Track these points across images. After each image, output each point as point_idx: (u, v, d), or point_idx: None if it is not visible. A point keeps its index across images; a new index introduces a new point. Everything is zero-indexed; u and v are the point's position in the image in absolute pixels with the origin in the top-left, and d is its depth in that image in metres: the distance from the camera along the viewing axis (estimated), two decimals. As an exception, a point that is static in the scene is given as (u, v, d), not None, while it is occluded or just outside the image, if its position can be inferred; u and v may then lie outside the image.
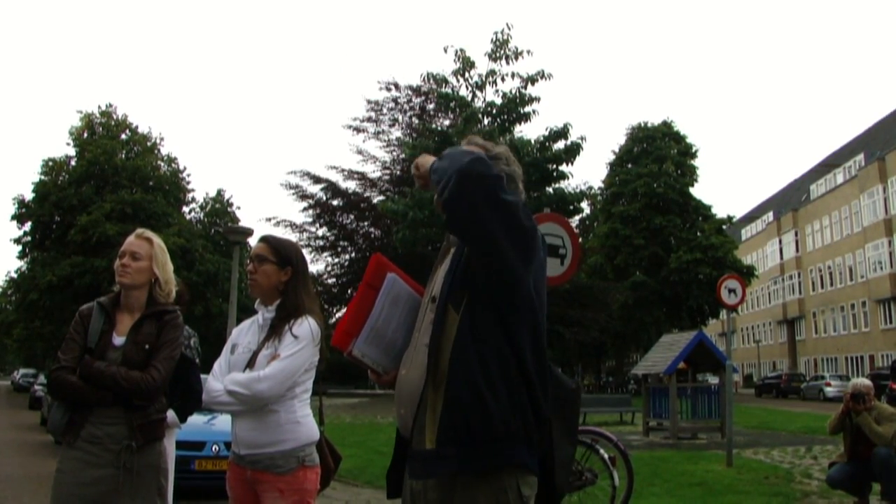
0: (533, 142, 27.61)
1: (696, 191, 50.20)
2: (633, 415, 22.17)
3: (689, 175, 49.74)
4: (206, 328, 35.64)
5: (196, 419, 7.80)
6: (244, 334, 3.52)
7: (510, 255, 2.20)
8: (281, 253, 3.49)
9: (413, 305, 2.59)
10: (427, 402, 2.25)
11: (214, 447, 9.12)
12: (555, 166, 27.60)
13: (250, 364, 3.34)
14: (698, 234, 47.31)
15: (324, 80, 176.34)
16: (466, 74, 27.61)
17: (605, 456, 7.71)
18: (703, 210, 49.16)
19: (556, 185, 28.04)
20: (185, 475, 7.91)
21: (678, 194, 47.77)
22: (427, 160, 2.39)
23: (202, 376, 5.25)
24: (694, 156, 50.86)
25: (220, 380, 3.39)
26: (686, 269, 45.11)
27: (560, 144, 27.62)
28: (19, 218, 40.86)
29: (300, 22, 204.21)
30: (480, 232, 2.17)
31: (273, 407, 3.29)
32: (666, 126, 51.00)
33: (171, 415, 3.89)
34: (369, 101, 42.95)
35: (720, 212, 53.40)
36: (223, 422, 9.46)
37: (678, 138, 50.80)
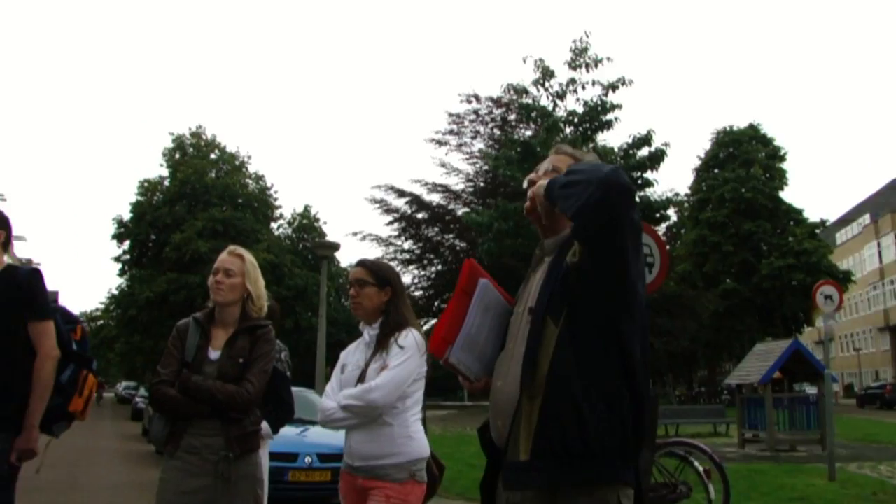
0: (616, 149, 27.31)
1: (787, 194, 48.78)
2: (728, 426, 21.66)
3: (779, 178, 48.43)
4: (296, 342, 36.27)
5: (289, 431, 7.97)
6: (352, 354, 3.68)
7: (633, 267, 2.20)
8: (379, 275, 3.67)
9: (502, 313, 2.58)
10: (522, 413, 2.23)
11: (307, 458, 9.28)
12: (639, 173, 27.23)
13: (360, 379, 3.48)
14: (790, 239, 45.99)
15: (406, 94, 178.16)
16: (547, 84, 27.49)
17: (700, 468, 7.58)
18: (794, 214, 47.80)
19: (642, 193, 27.66)
20: (279, 486, 8.08)
21: (767, 199, 46.54)
22: (542, 186, 2.35)
23: (294, 389, 5.38)
24: (783, 158, 49.49)
25: (332, 398, 3.54)
26: (778, 276, 43.91)
27: (644, 151, 27.25)
28: (119, 237, 42.45)
29: (383, 39, 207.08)
30: (617, 242, 2.15)
31: (388, 420, 3.42)
32: (753, 129, 49.78)
33: (264, 426, 4.01)
34: (451, 114, 43.21)
35: (812, 215, 51.83)
36: (315, 434, 9.63)
37: (766, 141, 49.54)
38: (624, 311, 2.22)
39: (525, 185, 2.48)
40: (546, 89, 27.67)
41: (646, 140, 27.02)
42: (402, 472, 3.40)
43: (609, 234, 2.14)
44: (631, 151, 27.36)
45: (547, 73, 27.27)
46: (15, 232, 4.14)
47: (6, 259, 4.15)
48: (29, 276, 3.99)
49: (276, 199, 45.67)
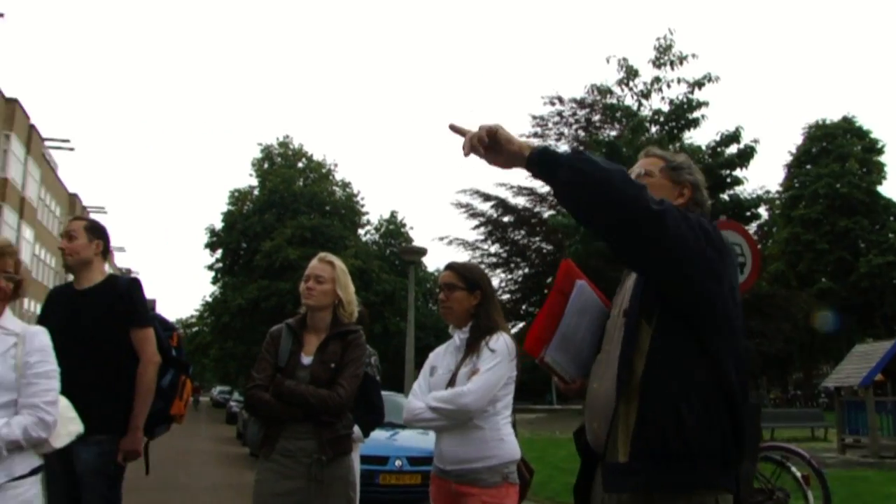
0: (704, 148, 26.76)
1: (886, 189, 47.07)
2: (826, 430, 20.96)
3: (876, 172, 46.66)
4: (385, 346, 36.64)
5: (379, 434, 8.06)
6: (442, 357, 3.68)
7: (701, 272, 2.16)
8: (468, 278, 3.65)
9: (598, 315, 2.56)
10: (620, 415, 2.22)
11: (397, 462, 9.36)
12: (728, 171, 26.63)
13: (451, 383, 3.48)
14: (890, 235, 44.30)
15: (489, 98, 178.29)
16: (631, 83, 27.10)
17: (798, 475, 7.37)
18: (894, 209, 46.03)
19: (731, 191, 27.05)
20: (369, 489, 8.18)
21: (864, 193, 44.90)
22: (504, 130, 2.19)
23: (383, 393, 5.45)
24: (880, 151, 47.66)
25: (420, 399, 3.55)
26: (878, 274, 42.30)
27: (732, 149, 26.60)
28: (211, 246, 43.69)
29: (466, 43, 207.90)
30: (654, 255, 2.14)
31: (479, 424, 3.42)
32: (847, 122, 48.13)
33: (356, 430, 4.08)
34: (534, 117, 42.93)
35: (914, 210, 49.83)
36: (405, 437, 9.71)
37: (861, 134, 47.80)
38: (699, 313, 2.19)
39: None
40: (630, 89, 27.30)
41: (734, 137, 26.39)
42: (495, 476, 3.40)
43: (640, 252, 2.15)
44: (719, 149, 26.76)
45: (631, 73, 26.91)
46: (115, 243, 4.34)
47: (108, 269, 4.34)
48: (129, 286, 4.17)
49: (362, 206, 46.29)
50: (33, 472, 2.93)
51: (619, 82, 27.38)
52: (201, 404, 55.03)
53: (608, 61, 27.27)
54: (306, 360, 3.64)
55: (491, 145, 2.15)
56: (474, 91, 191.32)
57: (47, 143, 43.28)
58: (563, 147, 42.70)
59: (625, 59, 26.86)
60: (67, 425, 3.09)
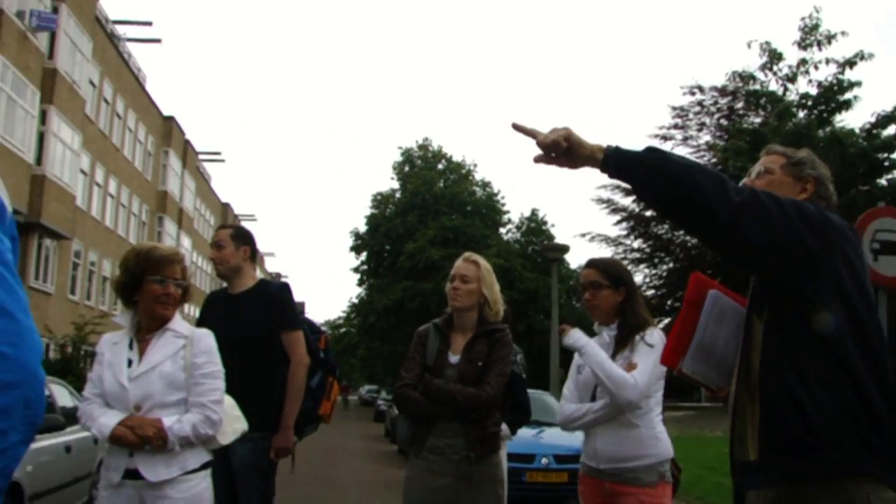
0: (857, 130, 25.40)
1: None
2: None
3: None
4: (529, 344, 36.49)
5: (525, 432, 8.05)
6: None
7: (789, 262, 2.09)
8: (612, 275, 3.61)
9: (739, 320, 2.50)
10: (746, 413, 2.18)
11: (544, 460, 9.32)
12: (886, 155, 25.17)
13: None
14: None
15: (626, 90, 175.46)
16: (775, 67, 26.11)
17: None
18: None
19: (890, 176, 25.56)
20: (516, 486, 8.17)
21: None
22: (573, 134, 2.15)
23: (529, 391, 5.42)
24: None
25: (572, 401, 3.57)
26: None
27: (890, 130, 25.16)
28: (356, 249, 44.71)
29: (600, 36, 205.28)
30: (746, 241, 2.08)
31: (634, 422, 3.39)
32: None
33: (503, 427, 4.08)
34: (674, 108, 41.77)
35: None
36: (551, 435, 9.66)
37: None
38: (809, 300, 2.09)
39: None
40: (774, 73, 26.31)
41: (892, 118, 24.97)
42: (651, 475, 3.35)
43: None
44: (875, 131, 25.36)
45: (774, 56, 25.90)
46: (265, 249, 4.51)
47: (258, 273, 4.51)
48: (279, 290, 4.32)
49: (503, 205, 46.29)
50: (204, 467, 3.08)
51: (763, 67, 26.39)
52: (350, 403, 56.53)
53: (749, 46, 26.39)
54: (454, 358, 3.66)
55: (566, 150, 2.14)
56: (611, 84, 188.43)
57: (201, 157, 45.58)
58: (704, 138, 41.58)
59: (767, 43, 25.87)
60: (233, 423, 3.23)
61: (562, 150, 2.13)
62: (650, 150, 2.13)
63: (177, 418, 2.96)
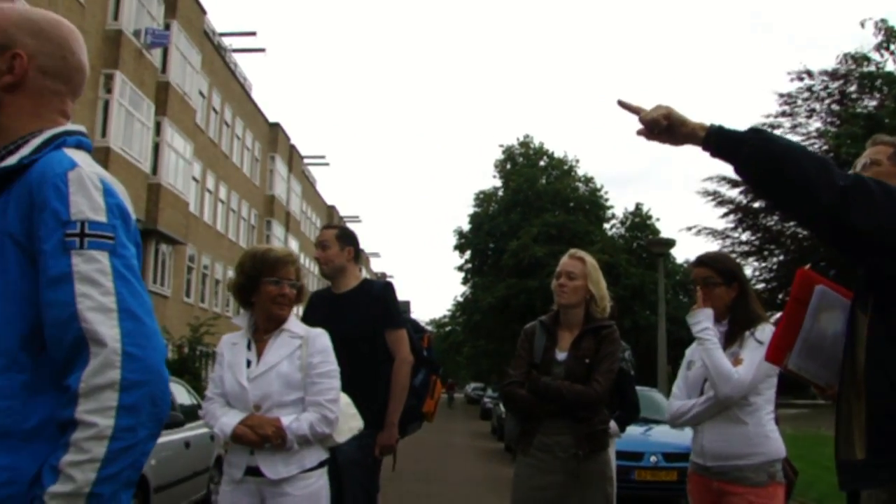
0: None
1: None
2: None
3: None
4: (636, 340, 35.95)
5: (633, 430, 7.96)
6: (697, 350, 3.55)
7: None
8: (724, 271, 3.52)
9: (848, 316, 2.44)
10: (852, 410, 2.09)
11: (653, 458, 9.19)
12: None
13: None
14: None
15: (729, 78, 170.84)
16: (892, 46, 24.94)
17: None
18: None
19: None
20: (625, 484, 8.09)
21: None
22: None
23: (637, 388, 5.36)
24: None
25: (680, 398, 3.53)
26: None
27: None
28: (460, 248, 44.94)
29: (700, 21, 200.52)
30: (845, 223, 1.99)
31: (742, 418, 3.31)
32: None
33: (612, 425, 4.05)
34: (781, 95, 40.47)
35: None
36: (660, 433, 9.52)
37: None
38: None
39: None
40: (892, 53, 25.13)
41: None
42: (761, 475, 3.26)
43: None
44: None
45: (892, 35, 24.75)
46: (370, 249, 4.59)
47: (361, 273, 4.59)
48: (383, 289, 4.39)
49: (606, 200, 45.77)
50: (321, 465, 3.16)
51: (878, 47, 25.29)
52: (456, 401, 56.82)
53: (863, 25, 25.31)
54: (561, 355, 3.65)
55: (666, 128, 2.13)
56: (715, 72, 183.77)
57: (306, 161, 46.57)
58: (814, 125, 40.09)
59: (883, 21, 24.75)
60: (349, 422, 3.30)
61: (662, 128, 2.13)
62: (754, 131, 2.09)
63: (294, 417, 3.03)
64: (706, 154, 2.11)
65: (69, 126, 1.61)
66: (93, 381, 1.34)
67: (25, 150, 1.52)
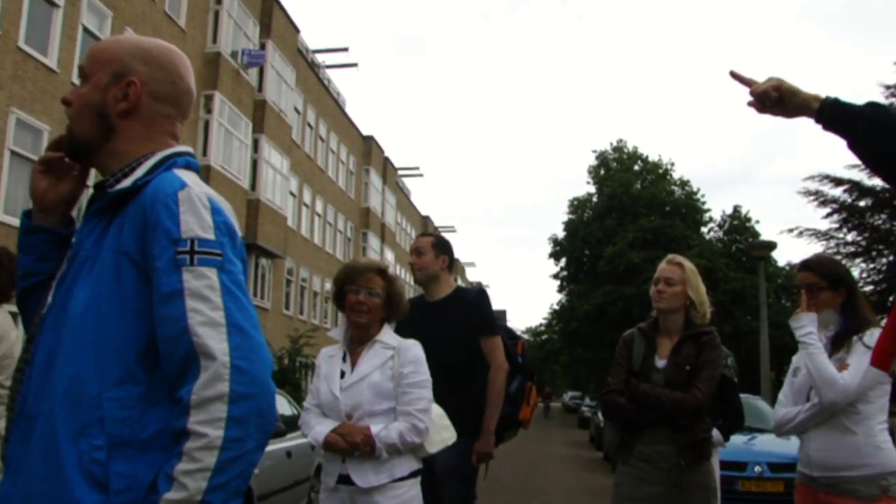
0: None
1: None
2: None
3: None
4: (738, 347, 35.04)
5: (737, 439, 7.74)
6: (803, 356, 3.44)
7: None
8: (830, 276, 3.41)
9: None
10: None
11: (757, 468, 8.93)
12: None
13: None
14: None
15: (827, 71, 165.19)
16: None
17: None
18: None
19: None
20: (729, 495, 7.87)
21: None
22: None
23: (741, 396, 5.23)
24: None
25: (786, 405, 3.45)
26: None
27: None
28: (555, 255, 44.68)
29: (801, 16, 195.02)
30: None
31: (851, 428, 3.20)
32: None
33: (715, 434, 3.95)
34: (887, 87, 38.85)
35: None
36: (765, 442, 9.24)
37: None
38: None
39: None
40: None
41: None
42: (871, 487, 3.12)
43: None
44: None
45: None
46: (465, 259, 4.61)
47: (455, 282, 4.61)
48: (477, 296, 4.40)
49: (703, 203, 44.82)
50: (413, 475, 3.19)
51: None
52: (553, 410, 56.41)
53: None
54: (660, 363, 3.59)
55: (777, 100, 2.07)
56: (812, 69, 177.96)
57: (400, 173, 47.07)
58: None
59: None
60: (441, 432, 3.30)
61: (772, 100, 2.08)
62: (871, 105, 2.02)
63: (384, 426, 3.07)
64: (818, 128, 2.03)
65: (178, 147, 1.69)
66: (203, 394, 1.40)
67: (139, 172, 1.60)
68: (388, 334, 3.31)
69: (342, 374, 3.23)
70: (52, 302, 1.60)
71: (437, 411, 3.30)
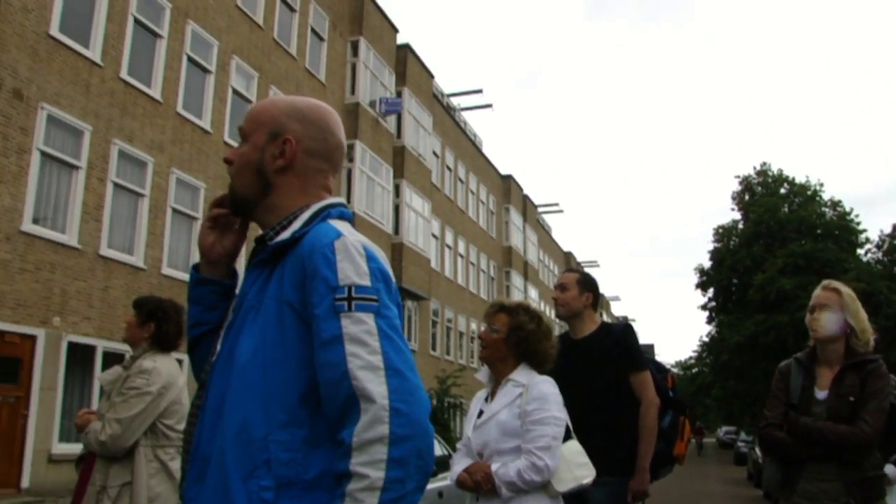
0: None
1: None
2: None
3: None
4: (907, 375, 32.98)
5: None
6: None
7: None
8: None
9: None
10: None
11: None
12: None
13: None
14: None
15: None
16: None
17: None
18: None
19: None
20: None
21: None
22: None
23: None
24: None
25: None
26: None
27: None
28: (702, 286, 43.53)
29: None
30: None
31: None
32: None
33: (890, 470, 3.70)
34: None
35: None
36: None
37: None
38: None
39: None
40: None
41: None
42: None
43: None
44: None
45: None
46: (609, 293, 4.56)
47: (600, 318, 4.56)
48: (623, 331, 4.33)
49: (858, 223, 42.67)
50: None
51: None
52: (706, 446, 54.41)
53: None
54: (821, 394, 3.43)
55: None
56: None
57: (540, 210, 47.09)
58: None
59: None
60: (574, 470, 3.17)
61: None
62: None
63: (502, 463, 3.08)
64: None
65: (332, 199, 1.78)
66: (364, 436, 1.44)
67: (296, 225, 1.69)
68: (521, 372, 3.30)
69: (480, 414, 3.29)
70: (220, 350, 1.70)
71: (574, 448, 3.24)
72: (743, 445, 32.67)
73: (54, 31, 13.12)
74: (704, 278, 43.28)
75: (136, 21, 14.99)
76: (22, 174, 12.34)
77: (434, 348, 29.10)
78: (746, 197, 43.38)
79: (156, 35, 15.52)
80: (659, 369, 4.52)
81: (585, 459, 3.26)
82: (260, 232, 1.76)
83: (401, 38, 26.64)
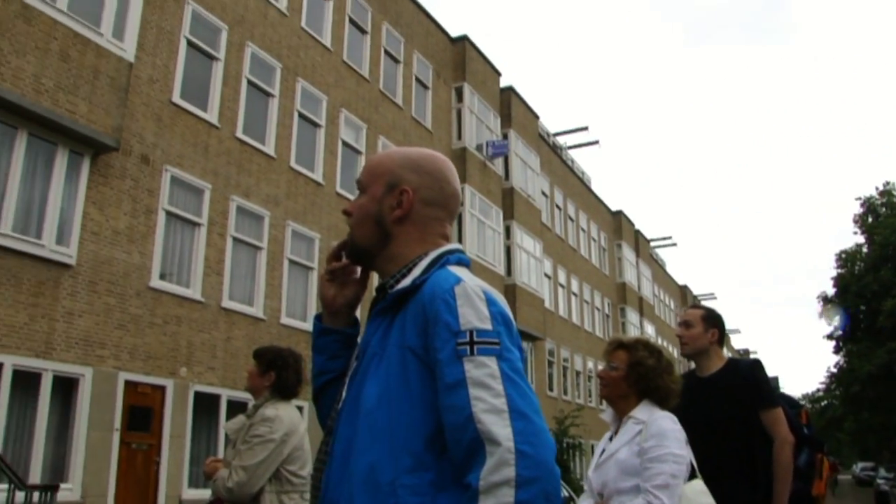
0: None
1: None
2: None
3: None
4: None
5: None
6: None
7: None
8: None
9: None
10: None
11: None
12: None
13: None
14: None
15: None
16: None
17: None
18: None
19: None
20: None
21: None
22: None
23: None
24: None
25: None
26: None
27: None
28: (828, 314, 41.84)
29: None
30: None
31: None
32: None
33: None
34: None
35: None
36: None
37: None
38: None
39: None
40: None
41: None
42: None
43: None
44: None
45: None
46: (729, 326, 4.42)
47: (726, 354, 4.43)
48: (751, 367, 4.19)
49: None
50: None
51: None
52: (841, 483, 51.73)
53: None
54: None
55: None
56: None
57: (653, 244, 46.33)
58: None
59: None
60: None
61: None
62: None
63: (619, 502, 3.02)
64: None
65: (450, 246, 1.81)
66: (491, 479, 1.44)
67: (416, 272, 1.73)
68: (642, 409, 3.24)
69: (602, 453, 3.24)
70: (345, 397, 1.74)
71: (698, 488, 3.14)
72: (883, 483, 30.96)
73: (176, 97, 13.87)
74: (828, 306, 41.61)
75: (250, 82, 15.69)
76: (150, 233, 13.01)
77: (551, 388, 28.81)
78: (870, 219, 41.61)
79: (268, 94, 16.18)
80: (791, 405, 4.35)
81: (710, 500, 3.16)
82: (379, 281, 1.80)
83: (504, 81, 26.91)
